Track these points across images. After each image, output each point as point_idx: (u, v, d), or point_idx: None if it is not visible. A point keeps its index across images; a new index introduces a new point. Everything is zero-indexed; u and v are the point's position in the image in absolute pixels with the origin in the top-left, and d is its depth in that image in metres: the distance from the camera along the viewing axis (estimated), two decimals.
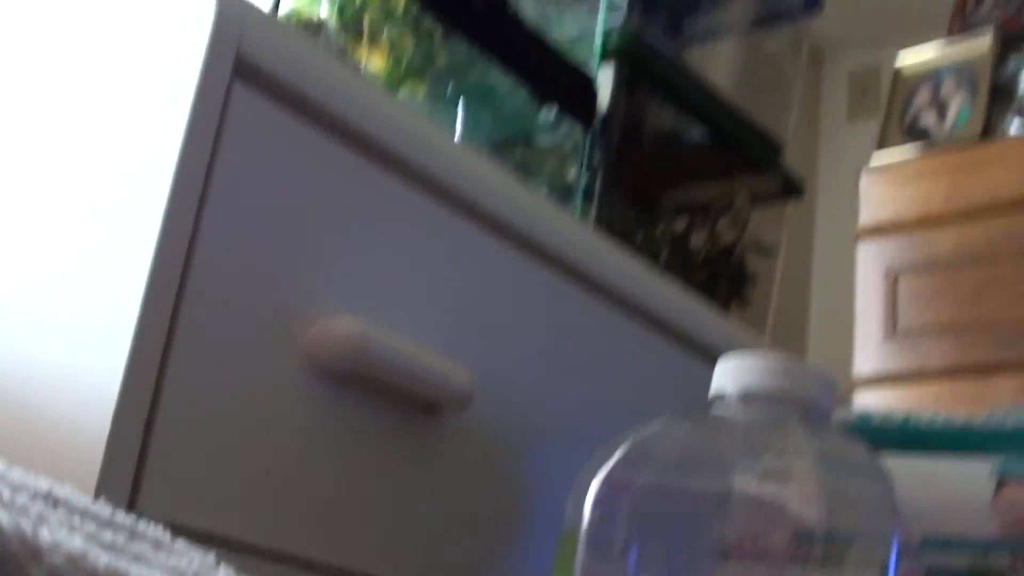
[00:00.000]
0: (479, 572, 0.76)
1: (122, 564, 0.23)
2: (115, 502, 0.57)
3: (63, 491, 0.35)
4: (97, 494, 0.57)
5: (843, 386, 1.85)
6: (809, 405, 0.57)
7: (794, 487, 0.54)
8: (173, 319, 0.60)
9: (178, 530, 0.59)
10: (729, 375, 0.59)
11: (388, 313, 0.71)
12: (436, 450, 0.74)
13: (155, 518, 0.58)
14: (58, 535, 0.26)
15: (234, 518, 0.62)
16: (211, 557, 0.34)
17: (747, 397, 0.58)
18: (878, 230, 2.13)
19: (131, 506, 0.58)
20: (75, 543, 0.22)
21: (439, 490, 0.74)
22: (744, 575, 0.54)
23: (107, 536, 0.29)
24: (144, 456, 0.59)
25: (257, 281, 0.65)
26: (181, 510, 0.60)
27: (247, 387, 0.64)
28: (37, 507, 0.31)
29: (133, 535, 0.32)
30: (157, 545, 0.32)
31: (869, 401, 1.96)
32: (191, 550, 0.35)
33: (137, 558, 0.27)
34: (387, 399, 0.70)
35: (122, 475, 0.58)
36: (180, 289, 0.61)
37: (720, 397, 0.59)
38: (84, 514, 0.32)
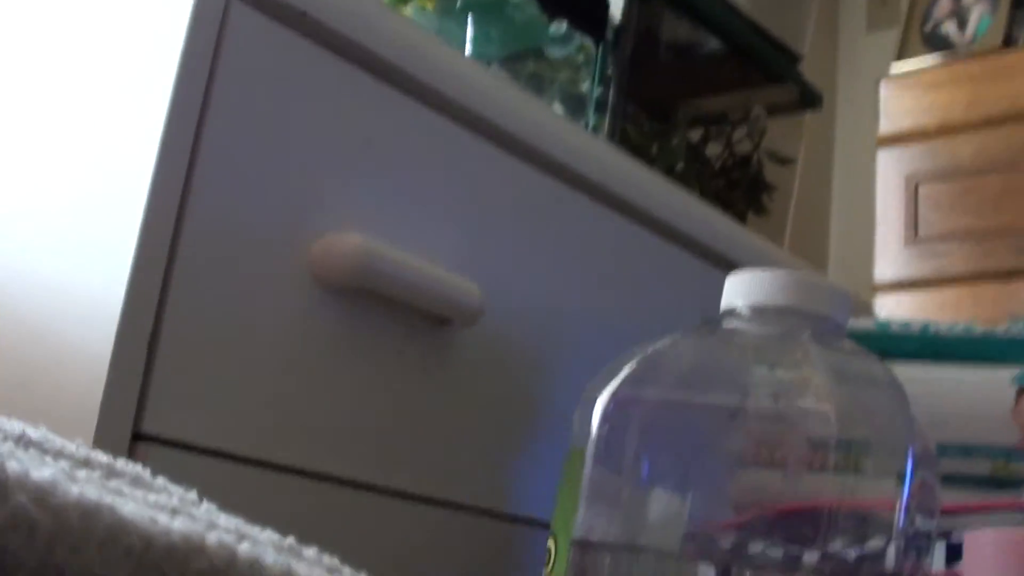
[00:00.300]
0: (488, 483, 0.76)
1: (94, 495, 0.22)
2: (120, 420, 0.57)
3: (37, 433, 0.34)
4: (102, 412, 0.56)
5: (863, 293, 1.84)
6: (821, 319, 0.56)
7: (808, 399, 0.53)
8: (175, 235, 0.60)
9: (186, 447, 0.60)
10: (740, 290, 0.58)
11: (395, 230, 0.70)
12: (447, 363, 0.73)
13: (162, 435, 0.58)
14: (27, 467, 0.25)
15: (242, 434, 0.62)
16: (193, 494, 0.33)
17: (758, 312, 0.57)
18: (898, 138, 2.10)
19: (137, 424, 0.58)
20: (44, 474, 0.21)
21: (450, 402, 0.73)
22: (759, 483, 0.53)
23: (81, 473, 0.28)
24: (149, 373, 0.58)
25: (260, 198, 0.64)
26: (188, 427, 0.60)
27: (252, 303, 0.63)
28: (7, 447, 0.31)
29: (111, 473, 0.31)
30: (136, 482, 0.31)
31: (890, 307, 1.95)
32: (172, 487, 0.34)
33: (114, 493, 0.26)
34: (395, 314, 0.69)
35: (127, 392, 0.57)
36: (182, 205, 0.60)
37: (731, 312, 0.58)
38: (58, 454, 0.31)
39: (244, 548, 0.24)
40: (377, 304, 0.68)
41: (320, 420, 0.66)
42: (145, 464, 0.58)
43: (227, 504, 0.61)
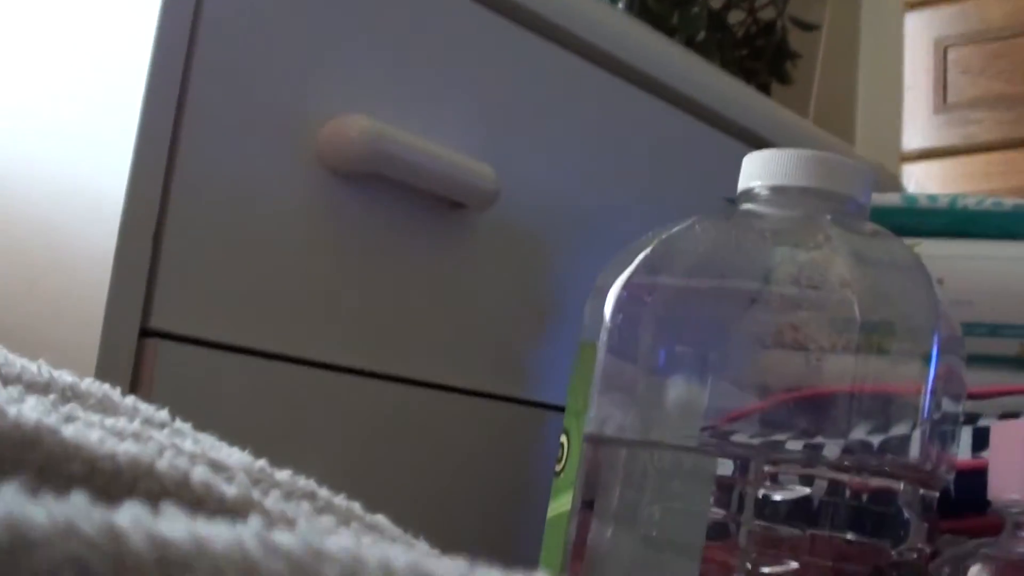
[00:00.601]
0: (506, 370, 0.75)
1: (33, 419, 0.21)
2: (128, 317, 0.56)
3: None
4: (108, 309, 0.55)
5: (891, 163, 1.81)
6: (843, 199, 0.54)
7: (829, 282, 0.52)
8: (176, 123, 0.58)
9: (195, 342, 0.59)
10: (757, 170, 0.56)
11: (406, 111, 0.68)
12: (462, 248, 0.72)
13: (170, 331, 0.57)
14: None
15: (253, 327, 0.61)
16: (164, 414, 0.32)
17: (777, 193, 0.55)
18: (927, 0, 2.06)
19: (145, 320, 0.57)
20: None
21: (465, 288, 0.72)
22: (780, 369, 0.52)
23: (31, 399, 0.26)
24: (155, 268, 0.57)
25: (264, 81, 0.62)
26: (197, 322, 0.59)
27: (259, 191, 0.61)
28: None
29: (74, 395, 0.30)
30: (99, 405, 0.30)
31: (918, 176, 1.92)
32: (143, 406, 0.32)
33: (65, 418, 0.24)
34: (407, 198, 0.68)
35: (133, 289, 0.56)
36: (182, 90, 0.58)
37: (748, 194, 0.56)
38: (14, 379, 0.29)
39: (198, 471, 0.23)
40: (389, 188, 0.67)
41: (332, 309, 0.64)
42: (155, 360, 0.57)
43: (239, 398, 0.60)
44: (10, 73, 0.65)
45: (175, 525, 0.15)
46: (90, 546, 0.14)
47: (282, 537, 0.16)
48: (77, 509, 0.15)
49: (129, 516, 0.15)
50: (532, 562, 0.58)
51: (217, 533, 0.15)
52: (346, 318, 0.65)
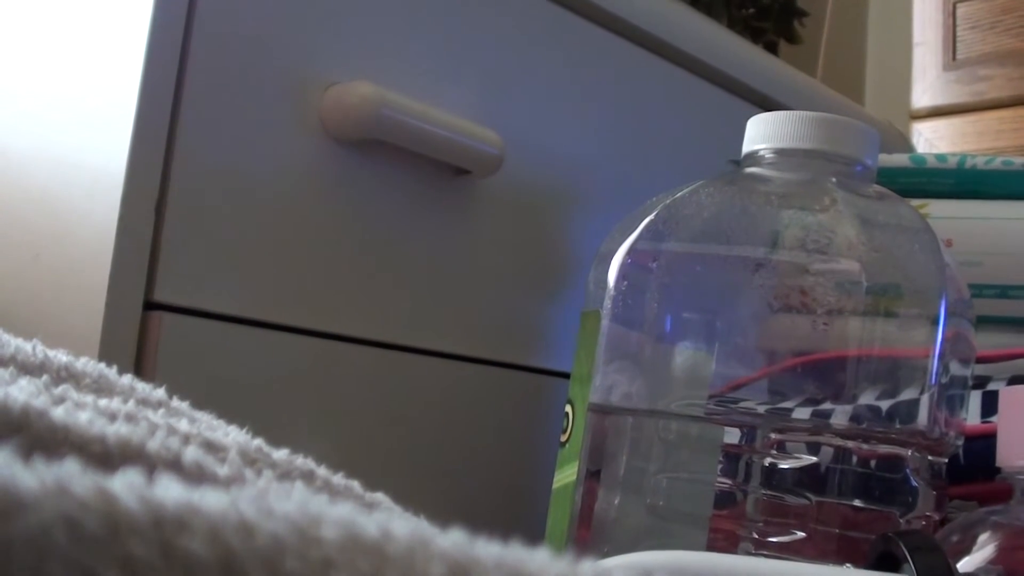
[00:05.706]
0: (513, 337, 0.74)
1: (21, 400, 0.20)
2: (131, 290, 0.56)
3: None
4: (112, 283, 0.55)
5: (900, 121, 1.80)
6: (849, 162, 0.54)
7: (835, 246, 0.51)
8: (177, 92, 0.57)
9: (199, 314, 0.58)
10: (762, 133, 0.55)
11: (410, 78, 0.67)
12: (467, 215, 0.71)
13: (174, 303, 0.57)
14: None
15: (258, 298, 0.60)
16: (161, 392, 0.32)
17: (782, 156, 0.54)
18: None
19: (148, 293, 0.56)
20: None
21: (471, 255, 0.71)
22: (787, 334, 0.51)
23: (22, 380, 0.26)
24: (157, 241, 0.57)
25: (265, 48, 0.61)
26: (201, 294, 0.58)
27: (262, 161, 0.61)
28: None
29: (69, 376, 0.29)
30: (92, 386, 0.29)
31: (928, 134, 1.91)
32: (140, 385, 0.32)
33: (57, 400, 0.24)
34: (412, 165, 0.67)
35: (136, 262, 0.56)
36: (183, 58, 0.58)
37: (753, 156, 0.55)
38: (4, 361, 0.29)
39: (190, 451, 0.22)
40: (392, 155, 0.66)
41: (336, 279, 0.64)
42: (159, 333, 0.57)
43: (243, 370, 0.60)
44: (8, 44, 0.64)
45: (169, 490, 0.15)
46: (82, 506, 0.14)
47: (279, 501, 0.16)
48: (68, 473, 0.15)
49: (122, 481, 0.15)
50: (538, 532, 0.58)
51: (212, 497, 0.15)
52: (350, 287, 0.65)
